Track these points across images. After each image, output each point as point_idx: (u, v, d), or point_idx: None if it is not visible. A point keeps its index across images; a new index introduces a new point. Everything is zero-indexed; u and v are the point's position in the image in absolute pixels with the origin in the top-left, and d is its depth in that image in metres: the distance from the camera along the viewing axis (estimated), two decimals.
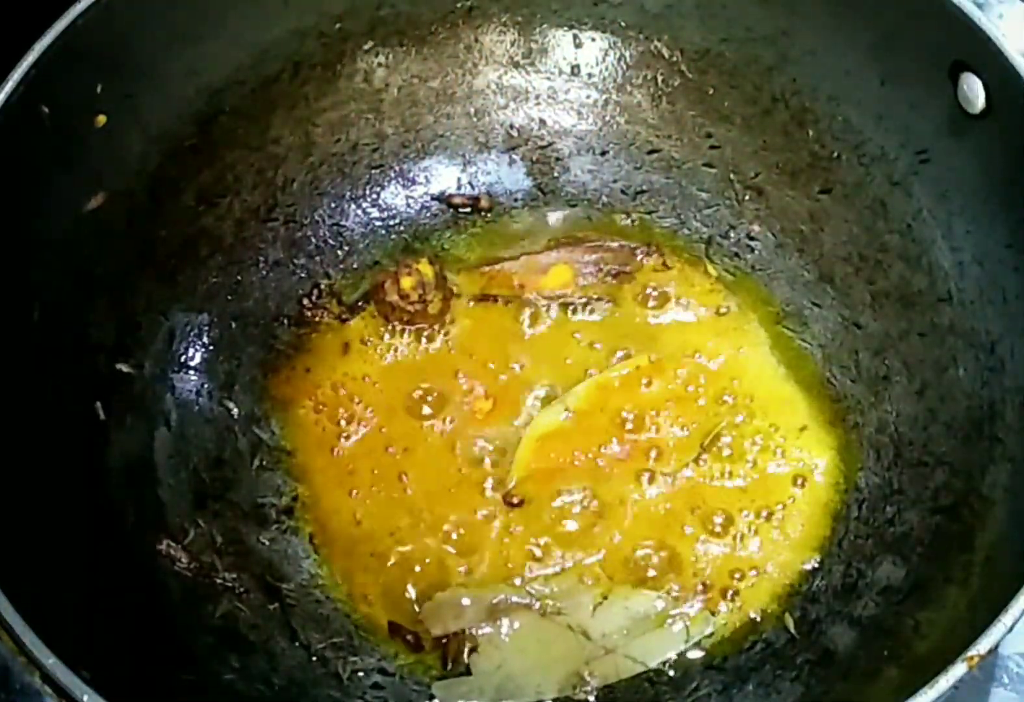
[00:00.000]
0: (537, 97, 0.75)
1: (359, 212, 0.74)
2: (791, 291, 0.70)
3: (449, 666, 0.60)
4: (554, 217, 0.74)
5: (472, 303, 0.70)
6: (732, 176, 0.72)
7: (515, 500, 0.64)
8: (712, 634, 0.61)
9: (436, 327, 0.69)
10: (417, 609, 0.61)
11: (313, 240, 0.72)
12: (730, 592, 0.62)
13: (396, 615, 0.61)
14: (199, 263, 0.69)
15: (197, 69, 0.65)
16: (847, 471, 0.65)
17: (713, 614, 0.61)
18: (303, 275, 0.72)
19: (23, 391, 0.56)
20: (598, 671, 0.59)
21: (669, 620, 0.61)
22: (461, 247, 0.73)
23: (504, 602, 0.61)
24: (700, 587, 0.62)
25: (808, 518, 0.64)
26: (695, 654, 0.60)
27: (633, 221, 0.73)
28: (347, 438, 0.66)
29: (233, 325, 0.69)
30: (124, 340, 0.64)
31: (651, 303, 0.70)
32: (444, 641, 0.60)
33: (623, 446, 0.66)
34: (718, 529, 0.63)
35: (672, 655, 0.60)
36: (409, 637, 0.60)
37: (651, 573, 0.62)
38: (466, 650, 0.60)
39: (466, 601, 0.61)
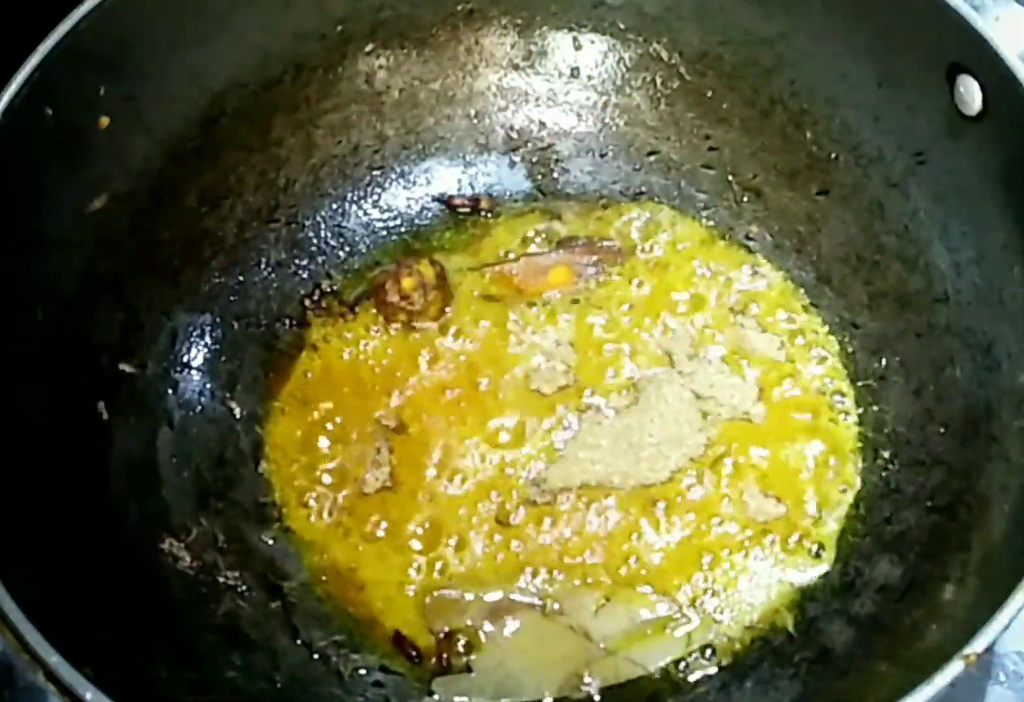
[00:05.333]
0: (537, 99, 0.76)
1: (360, 213, 0.74)
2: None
3: (448, 666, 0.60)
4: (554, 218, 0.74)
5: (472, 304, 0.71)
6: (730, 177, 0.73)
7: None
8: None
9: (436, 327, 0.70)
10: (419, 606, 0.61)
11: (314, 241, 0.73)
12: (732, 598, 0.61)
13: (396, 613, 0.61)
14: (201, 264, 0.69)
15: (199, 71, 0.65)
16: (844, 470, 0.65)
17: (715, 622, 0.60)
18: (304, 276, 0.72)
19: (26, 391, 0.56)
20: (598, 673, 0.59)
21: (671, 624, 0.60)
22: (461, 248, 0.73)
23: (506, 601, 0.61)
24: (702, 592, 0.61)
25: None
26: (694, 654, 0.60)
27: (632, 222, 0.73)
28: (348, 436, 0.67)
29: (235, 325, 0.69)
30: (127, 340, 0.64)
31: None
32: (443, 639, 0.60)
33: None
34: (719, 532, 0.63)
35: (672, 659, 0.60)
36: (411, 650, 0.60)
37: (654, 576, 0.62)
38: (465, 650, 0.60)
39: (469, 598, 0.61)
